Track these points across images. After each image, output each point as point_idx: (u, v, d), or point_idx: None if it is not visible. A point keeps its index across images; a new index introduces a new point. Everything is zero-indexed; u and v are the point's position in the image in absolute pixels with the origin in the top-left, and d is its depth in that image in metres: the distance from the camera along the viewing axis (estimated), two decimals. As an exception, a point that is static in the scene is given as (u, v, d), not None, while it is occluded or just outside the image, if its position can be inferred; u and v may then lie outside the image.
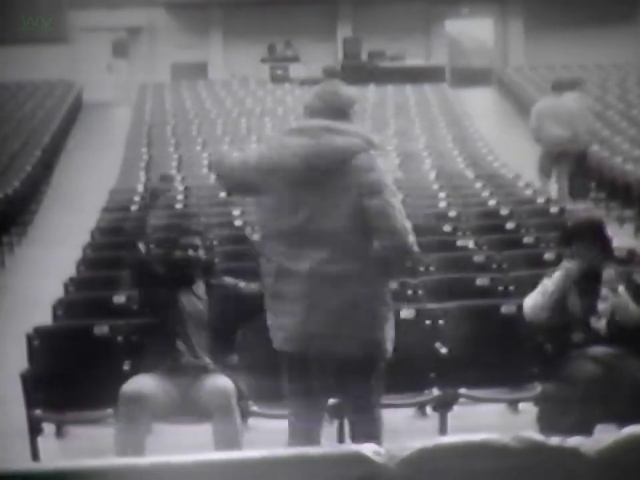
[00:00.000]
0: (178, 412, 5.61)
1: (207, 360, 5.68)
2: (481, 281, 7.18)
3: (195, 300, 5.83)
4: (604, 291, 5.76)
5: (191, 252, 5.88)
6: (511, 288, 7.14)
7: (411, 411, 6.53)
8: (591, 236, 5.85)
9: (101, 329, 6.07)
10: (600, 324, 5.74)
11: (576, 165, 13.66)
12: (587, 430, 4.88)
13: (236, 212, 10.61)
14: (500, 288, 7.17)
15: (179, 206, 11.44)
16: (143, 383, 5.52)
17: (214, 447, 5.39)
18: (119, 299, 6.82)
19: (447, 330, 6.24)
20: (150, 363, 5.67)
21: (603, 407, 5.35)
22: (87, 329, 6.13)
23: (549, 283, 5.76)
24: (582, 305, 5.78)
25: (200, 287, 5.88)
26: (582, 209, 9.57)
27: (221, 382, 5.55)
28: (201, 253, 5.92)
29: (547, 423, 5.53)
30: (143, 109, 20.61)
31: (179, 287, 5.85)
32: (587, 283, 5.79)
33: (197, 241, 5.94)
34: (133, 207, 11.33)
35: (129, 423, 5.36)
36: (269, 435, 5.93)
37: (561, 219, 9.79)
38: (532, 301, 5.78)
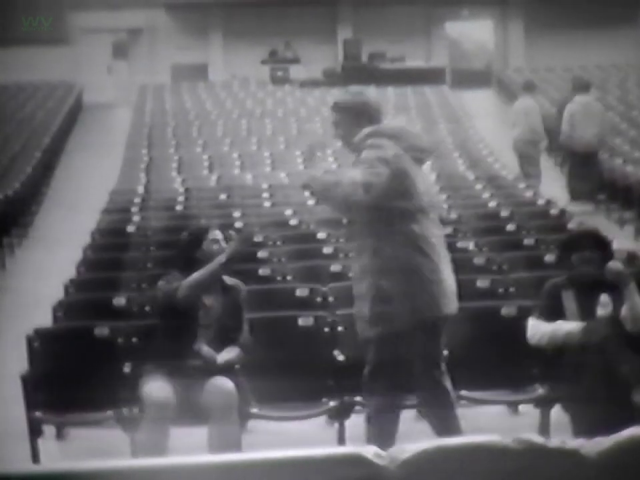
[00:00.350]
0: (182, 414, 5.58)
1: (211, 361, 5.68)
2: (481, 282, 7.18)
3: (209, 300, 5.81)
4: (603, 297, 5.77)
5: (216, 246, 5.86)
6: (511, 290, 7.15)
7: (411, 413, 6.53)
8: (590, 247, 5.87)
9: (101, 331, 6.07)
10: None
11: (576, 167, 13.68)
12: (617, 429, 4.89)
13: (236, 214, 10.61)
14: (500, 290, 7.17)
15: (179, 207, 11.44)
16: (165, 388, 5.51)
17: (208, 448, 5.38)
18: (119, 300, 6.82)
19: (448, 332, 6.24)
20: (155, 364, 5.65)
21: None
22: (87, 330, 6.13)
23: (564, 328, 5.74)
24: (580, 312, 5.80)
25: (216, 287, 5.86)
26: (578, 220, 9.61)
27: (220, 382, 5.54)
28: (224, 247, 5.89)
29: (579, 424, 5.52)
30: (143, 110, 20.61)
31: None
32: (585, 291, 5.81)
33: (219, 235, 5.95)
34: (133, 209, 11.33)
35: (155, 426, 5.35)
36: (269, 437, 5.93)
37: (562, 221, 9.81)
38: (539, 335, 5.77)
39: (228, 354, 5.66)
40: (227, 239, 6.03)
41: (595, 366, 5.59)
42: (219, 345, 5.72)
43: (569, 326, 5.75)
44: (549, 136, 14.58)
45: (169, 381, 5.58)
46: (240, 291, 5.94)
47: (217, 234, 5.98)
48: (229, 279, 5.96)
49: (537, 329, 5.80)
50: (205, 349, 5.65)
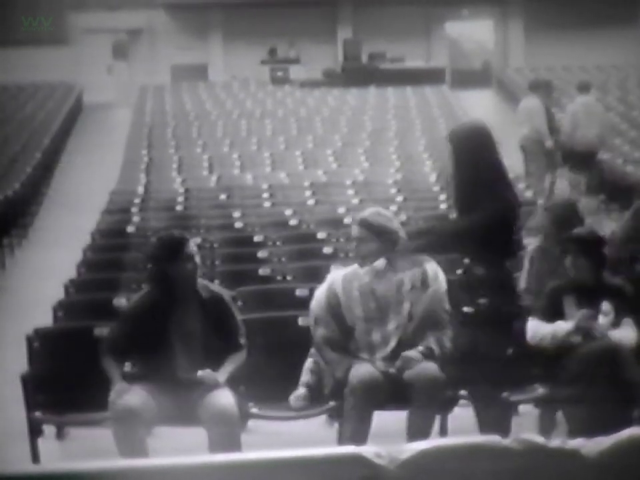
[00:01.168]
0: (175, 422, 5.50)
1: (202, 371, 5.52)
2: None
3: (190, 311, 5.68)
4: (604, 305, 5.77)
5: (190, 265, 5.59)
6: (511, 290, 7.13)
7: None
8: (589, 252, 5.86)
9: (101, 331, 6.06)
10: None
11: (576, 167, 13.70)
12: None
13: (236, 214, 10.61)
14: (500, 290, 7.15)
15: (179, 208, 11.44)
16: (134, 398, 5.35)
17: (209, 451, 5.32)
18: (119, 300, 6.81)
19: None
20: (145, 373, 5.58)
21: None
22: (87, 330, 6.12)
23: (564, 328, 5.75)
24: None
25: (195, 298, 5.66)
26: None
27: (222, 401, 5.35)
28: (198, 263, 5.65)
29: (578, 424, 5.51)
30: (143, 110, 20.61)
31: (175, 300, 5.66)
32: (587, 296, 5.81)
33: (194, 250, 5.64)
34: (133, 209, 11.33)
35: (124, 437, 5.27)
36: (269, 437, 5.92)
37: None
38: (539, 336, 5.78)
39: (225, 370, 5.51)
40: (203, 247, 5.85)
41: (597, 367, 5.58)
42: (208, 359, 5.53)
43: (568, 326, 5.75)
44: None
45: (156, 390, 5.43)
46: (222, 300, 5.68)
47: (192, 248, 5.64)
48: (207, 290, 5.68)
49: (537, 330, 5.80)
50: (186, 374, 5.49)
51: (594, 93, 14.86)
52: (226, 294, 5.82)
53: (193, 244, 5.69)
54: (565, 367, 5.67)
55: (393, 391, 5.50)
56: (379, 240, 5.72)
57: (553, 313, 5.82)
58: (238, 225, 10.12)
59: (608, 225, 8.08)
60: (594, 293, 5.82)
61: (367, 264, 5.72)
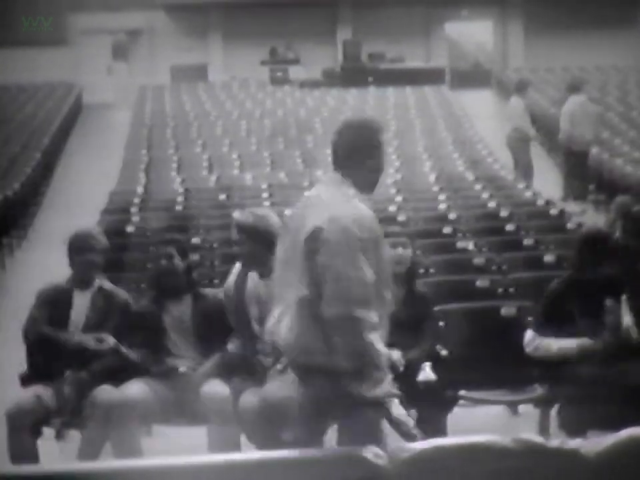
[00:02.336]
0: (173, 416, 5.59)
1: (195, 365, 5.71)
2: (481, 282, 7.18)
3: (181, 309, 5.82)
4: (608, 302, 5.71)
5: (164, 262, 5.88)
6: (511, 290, 7.15)
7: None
8: (595, 249, 5.80)
9: (101, 331, 6.06)
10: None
11: (576, 166, 13.73)
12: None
13: (236, 214, 10.59)
14: (500, 290, 7.17)
15: (178, 208, 11.45)
16: (130, 389, 5.53)
17: (208, 449, 5.38)
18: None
19: (447, 332, 6.24)
20: (140, 368, 5.70)
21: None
22: (86, 330, 6.11)
23: (563, 346, 5.70)
24: (586, 319, 5.74)
25: (187, 296, 5.89)
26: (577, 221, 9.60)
27: (214, 389, 5.51)
28: (177, 262, 5.88)
29: (570, 424, 5.50)
30: (142, 111, 20.61)
31: (164, 297, 5.88)
32: (590, 296, 5.76)
33: (172, 250, 5.92)
34: (133, 209, 11.33)
35: (118, 429, 5.33)
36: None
37: (561, 221, 9.81)
38: (541, 350, 5.73)
39: (204, 367, 5.69)
40: (202, 248, 6.06)
41: (598, 369, 5.57)
42: (206, 351, 5.74)
43: (567, 343, 5.69)
44: (548, 135, 14.68)
45: (153, 384, 5.60)
46: (215, 297, 5.91)
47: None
48: (199, 289, 6.01)
49: (539, 343, 5.73)
50: (170, 361, 5.71)
51: (592, 92, 14.92)
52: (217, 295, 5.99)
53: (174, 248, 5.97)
54: (572, 369, 5.63)
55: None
56: (255, 242, 5.57)
57: (555, 316, 5.73)
58: (238, 225, 10.10)
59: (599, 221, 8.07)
60: (597, 293, 5.73)
61: (251, 268, 5.56)
